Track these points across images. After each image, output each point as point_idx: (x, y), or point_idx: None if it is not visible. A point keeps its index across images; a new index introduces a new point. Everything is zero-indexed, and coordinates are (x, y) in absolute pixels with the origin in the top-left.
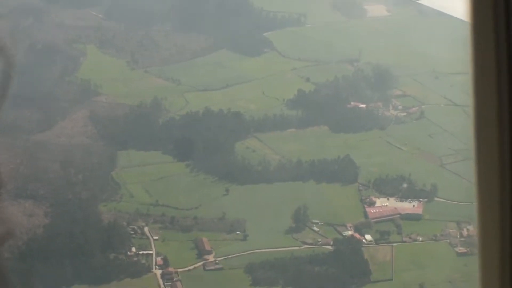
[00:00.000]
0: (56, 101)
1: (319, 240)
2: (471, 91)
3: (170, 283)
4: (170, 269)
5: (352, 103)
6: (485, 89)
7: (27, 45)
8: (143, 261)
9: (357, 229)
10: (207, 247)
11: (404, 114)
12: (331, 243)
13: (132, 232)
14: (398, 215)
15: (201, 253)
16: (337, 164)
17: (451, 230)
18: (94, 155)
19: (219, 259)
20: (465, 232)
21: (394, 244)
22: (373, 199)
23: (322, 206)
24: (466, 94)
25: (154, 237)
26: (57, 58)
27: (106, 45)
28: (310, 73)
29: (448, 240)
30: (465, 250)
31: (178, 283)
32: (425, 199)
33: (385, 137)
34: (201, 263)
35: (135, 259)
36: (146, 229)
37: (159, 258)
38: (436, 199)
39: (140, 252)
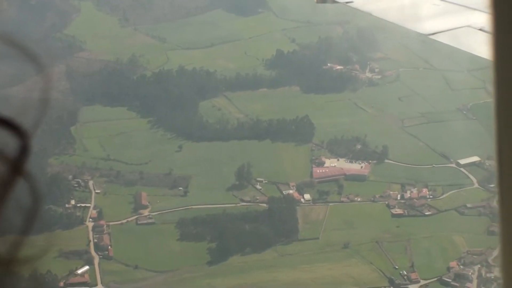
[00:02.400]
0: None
1: (258, 198)
2: (493, 89)
3: (98, 236)
4: (102, 222)
5: (328, 64)
6: (508, 86)
7: (20, 1)
8: (78, 214)
9: (299, 188)
10: (144, 202)
11: (379, 77)
12: (267, 201)
13: (76, 185)
14: (343, 176)
15: (137, 207)
16: (295, 124)
17: (392, 192)
18: (58, 109)
19: (153, 213)
20: (407, 194)
21: (330, 204)
22: (323, 159)
23: (271, 164)
24: (449, 59)
25: (96, 191)
26: (49, 14)
27: (102, 2)
28: (298, 34)
29: (386, 202)
30: (401, 212)
31: (106, 236)
32: (375, 161)
33: (354, 99)
34: (135, 217)
35: (71, 211)
36: (90, 182)
37: (95, 211)
38: (386, 160)
39: (78, 205)
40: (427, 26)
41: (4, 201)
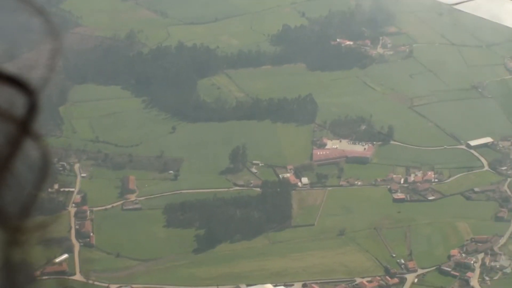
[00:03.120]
0: (29, 33)
1: (252, 182)
2: None
3: (80, 222)
4: (85, 207)
5: (338, 40)
6: None
7: None
8: (61, 199)
9: (296, 171)
10: (132, 186)
11: (392, 52)
12: (261, 185)
13: (61, 168)
14: (345, 158)
15: (124, 192)
16: (297, 103)
17: (395, 175)
18: (48, 88)
19: (140, 198)
20: (410, 178)
21: (329, 188)
22: (325, 141)
23: (270, 146)
24: (468, 33)
25: (82, 174)
26: None
27: None
28: (308, 7)
29: (388, 186)
30: (402, 196)
31: (88, 222)
32: (380, 142)
33: (363, 77)
34: (121, 202)
35: (54, 196)
36: (77, 166)
37: (78, 196)
38: (391, 142)
39: (62, 190)
40: None
41: (14, 160)
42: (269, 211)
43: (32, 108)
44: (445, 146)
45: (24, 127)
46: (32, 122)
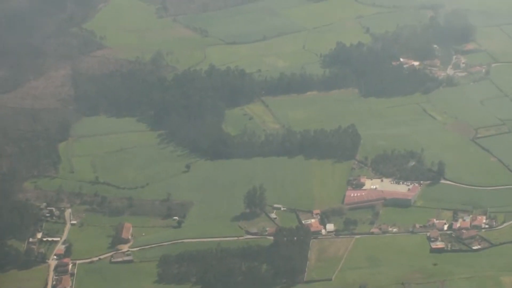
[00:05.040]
0: (42, 57)
1: (268, 229)
2: None
3: (57, 277)
4: (66, 260)
5: (401, 59)
6: None
7: None
8: (42, 250)
9: (324, 216)
10: (125, 235)
11: (464, 74)
12: (274, 234)
13: (48, 214)
14: (382, 201)
15: (116, 241)
16: (337, 136)
17: (438, 221)
18: (51, 122)
19: (134, 249)
20: (456, 224)
21: (357, 236)
22: (362, 180)
23: (297, 187)
24: None
25: (72, 221)
26: (69, 3)
27: None
28: (377, 21)
29: (428, 233)
30: (442, 246)
31: (67, 277)
32: (428, 182)
33: (424, 103)
34: (110, 254)
35: (34, 246)
36: (68, 211)
37: (63, 247)
38: (442, 181)
39: (45, 239)
40: None
41: None
42: (280, 263)
43: None
44: (506, 186)
45: None
46: None
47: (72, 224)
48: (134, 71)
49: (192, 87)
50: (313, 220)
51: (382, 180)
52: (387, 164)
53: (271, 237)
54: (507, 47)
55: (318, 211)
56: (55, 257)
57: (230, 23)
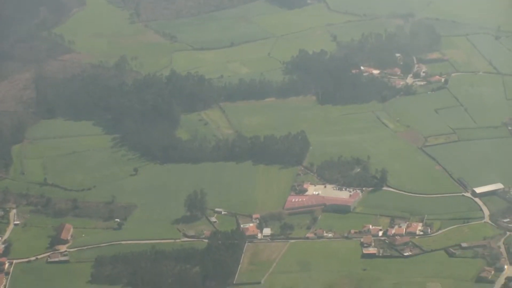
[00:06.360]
0: (9, 60)
1: (205, 232)
2: None
3: None
4: (3, 259)
5: (362, 68)
6: None
7: None
8: None
9: (262, 221)
10: (65, 236)
11: (423, 83)
12: (209, 237)
13: None
14: (323, 206)
15: (55, 242)
16: (287, 142)
17: (374, 227)
18: (7, 124)
19: (71, 250)
20: (391, 231)
21: (291, 241)
22: (306, 186)
23: (241, 192)
24: None
25: (15, 222)
26: (44, 8)
27: None
28: (346, 29)
29: (361, 239)
30: (374, 251)
31: (1, 276)
32: (370, 188)
33: (379, 112)
34: (47, 254)
35: None
36: (13, 212)
37: (2, 246)
38: (384, 188)
39: None
40: None
41: None
42: (212, 266)
43: None
44: (446, 194)
45: None
46: None
47: (16, 225)
48: (97, 76)
49: (150, 92)
50: (251, 224)
51: (325, 186)
52: (333, 171)
53: (206, 240)
54: (470, 57)
55: (257, 215)
56: None
57: (201, 30)
